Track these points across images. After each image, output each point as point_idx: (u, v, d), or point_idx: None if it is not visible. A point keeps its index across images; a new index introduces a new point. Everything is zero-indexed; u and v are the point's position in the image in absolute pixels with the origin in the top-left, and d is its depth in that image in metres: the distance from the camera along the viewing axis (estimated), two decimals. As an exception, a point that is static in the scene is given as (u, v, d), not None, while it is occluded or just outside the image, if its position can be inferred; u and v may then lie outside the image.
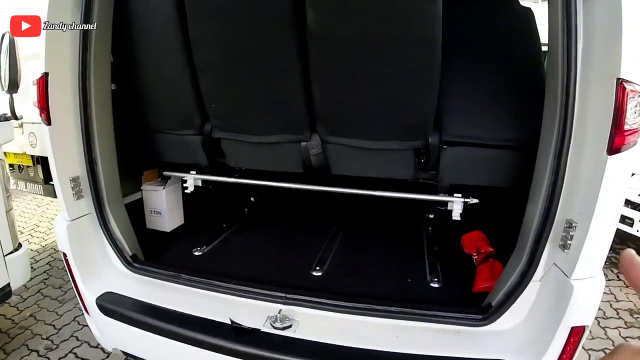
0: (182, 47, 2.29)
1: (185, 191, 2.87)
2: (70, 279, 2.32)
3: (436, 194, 2.48)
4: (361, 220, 3.30)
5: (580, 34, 1.55)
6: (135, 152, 2.84)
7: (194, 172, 2.83)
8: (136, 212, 2.84)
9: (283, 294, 2.04)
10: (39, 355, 3.19)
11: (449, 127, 2.25)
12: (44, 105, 2.07)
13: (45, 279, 4.35)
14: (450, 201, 2.44)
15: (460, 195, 2.41)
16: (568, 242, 1.65)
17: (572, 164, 1.62)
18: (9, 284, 2.97)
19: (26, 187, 4.60)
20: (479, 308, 1.95)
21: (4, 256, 2.93)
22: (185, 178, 2.83)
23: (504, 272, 1.97)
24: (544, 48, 1.98)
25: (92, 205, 2.30)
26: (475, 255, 2.65)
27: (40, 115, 2.10)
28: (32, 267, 4.44)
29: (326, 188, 2.67)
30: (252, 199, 3.48)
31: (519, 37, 2.36)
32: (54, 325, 3.56)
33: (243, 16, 2.06)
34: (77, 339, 3.35)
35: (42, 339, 3.38)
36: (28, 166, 4.51)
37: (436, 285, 2.37)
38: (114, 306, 2.16)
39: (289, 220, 3.32)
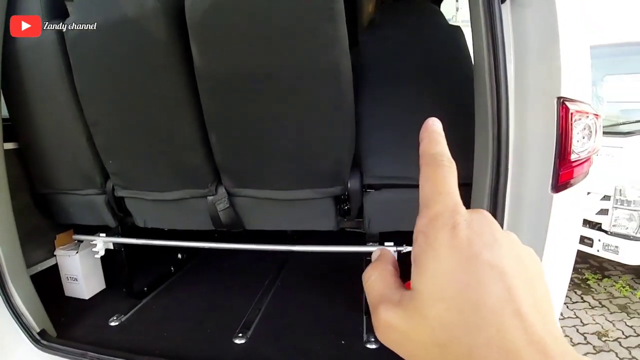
0: (73, 102, 2.03)
1: (96, 256, 2.55)
2: None
3: (364, 244, 2.16)
4: (292, 274, 2.98)
5: (511, 48, 1.28)
6: (45, 215, 2.55)
7: (104, 235, 2.52)
8: (52, 279, 2.55)
9: None
10: None
11: (371, 167, 1.94)
12: None
13: None
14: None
15: (392, 243, 2.10)
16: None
17: (512, 206, 1.35)
18: None
19: None
20: None
21: None
22: (93, 242, 2.50)
23: None
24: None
25: None
26: None
27: None
28: None
29: (243, 246, 2.40)
30: (179, 256, 3.15)
31: (448, 60, 2.10)
32: None
33: (127, 64, 1.81)
34: None
35: None
36: None
37: (373, 347, 2.07)
38: None
39: (217, 279, 2.99)
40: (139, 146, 2.04)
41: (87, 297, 2.63)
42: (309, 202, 1.99)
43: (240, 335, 2.18)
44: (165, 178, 2.10)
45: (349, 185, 1.92)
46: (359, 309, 2.38)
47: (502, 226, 1.24)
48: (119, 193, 2.24)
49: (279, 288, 2.74)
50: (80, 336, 2.22)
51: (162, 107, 1.87)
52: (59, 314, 2.33)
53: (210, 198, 2.06)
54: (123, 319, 2.39)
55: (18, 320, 2.03)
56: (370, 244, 2.12)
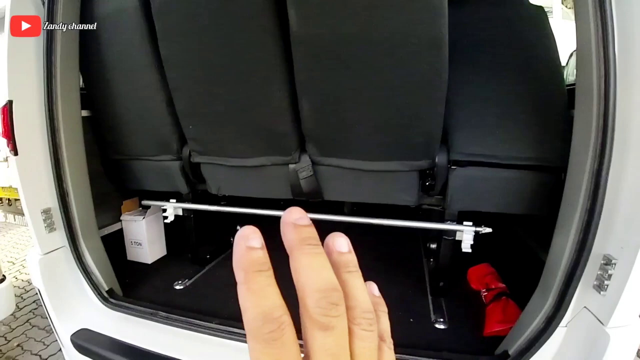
0: (154, 67, 2.01)
1: (165, 221, 2.54)
2: (47, 315, 2.06)
3: (442, 221, 2.06)
4: (356, 250, 2.95)
5: (615, 28, 1.20)
6: (113, 181, 2.55)
7: (174, 201, 2.50)
8: (116, 244, 2.56)
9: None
10: None
11: (457, 143, 1.88)
12: (9, 134, 1.84)
13: (34, 309, 3.99)
14: (459, 230, 2.02)
15: (470, 223, 2.00)
16: (605, 282, 1.28)
17: (613, 185, 1.25)
18: None
19: (15, 220, 4.31)
20: (494, 356, 1.61)
21: None
22: (164, 207, 2.50)
23: (524, 314, 1.62)
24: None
25: (66, 238, 2.01)
26: (484, 292, 2.25)
27: (7, 146, 1.86)
28: (22, 298, 4.26)
29: (315, 215, 2.30)
30: (238, 227, 3.13)
31: (534, 41, 2.01)
32: (40, 356, 3.23)
33: (217, 27, 1.74)
34: None
35: None
36: (16, 199, 4.26)
37: (441, 327, 2.00)
38: (89, 344, 1.90)
39: (278, 251, 2.96)
40: (222, 112, 1.99)
41: (149, 262, 2.64)
42: (394, 174, 1.94)
43: None
44: (248, 144, 2.06)
45: (436, 159, 1.86)
46: (422, 288, 2.34)
47: (601, 206, 1.23)
48: (196, 159, 2.22)
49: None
50: (146, 297, 2.20)
51: (253, 73, 1.82)
52: (123, 276, 2.32)
53: (292, 166, 2.02)
54: (188, 283, 2.38)
55: (88, 278, 2.04)
56: (449, 222, 2.03)
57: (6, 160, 4.05)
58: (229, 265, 2.58)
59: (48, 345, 3.37)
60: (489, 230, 1.96)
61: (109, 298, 2.06)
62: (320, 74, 1.71)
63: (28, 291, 4.41)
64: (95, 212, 2.18)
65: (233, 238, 2.92)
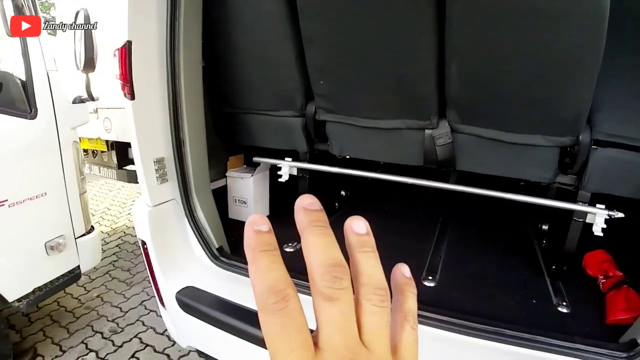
0: (286, 16, 1.86)
1: (280, 180, 2.38)
2: (148, 270, 1.96)
3: (572, 201, 1.88)
4: (466, 223, 2.74)
5: None
6: (223, 136, 2.41)
7: (290, 159, 2.35)
8: (218, 201, 2.39)
9: None
10: (103, 337, 2.87)
11: (601, 123, 1.70)
12: (126, 77, 1.71)
13: (114, 261, 4.04)
14: (591, 212, 1.84)
15: (603, 206, 1.82)
16: None
17: None
18: (78, 266, 2.68)
19: (100, 172, 4.36)
20: (622, 345, 1.47)
21: (76, 238, 2.63)
22: (280, 165, 2.34)
23: None
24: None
25: (178, 190, 1.92)
26: (602, 280, 2.04)
27: (123, 89, 1.74)
28: (102, 249, 4.23)
29: (436, 184, 2.16)
30: (342, 192, 2.96)
31: None
32: (120, 308, 3.23)
33: None
34: (143, 324, 3.00)
35: (108, 320, 3.07)
36: (102, 151, 4.23)
37: (564, 310, 1.81)
38: (196, 303, 1.77)
39: (385, 218, 2.78)
40: (359, 68, 1.84)
41: (253, 223, 2.49)
42: (535, 149, 1.77)
43: (430, 278, 2.00)
44: (383, 106, 1.90)
45: (580, 137, 1.68)
46: (537, 270, 2.17)
47: None
48: (322, 117, 2.07)
49: (453, 236, 2.52)
50: None
51: (399, 30, 1.66)
52: (227, 234, 2.19)
53: (429, 131, 1.87)
54: (298, 246, 2.23)
55: (199, 234, 1.94)
56: (581, 203, 1.85)
57: (95, 111, 3.97)
58: (336, 230, 2.41)
59: (129, 299, 3.37)
60: (621, 215, 1.80)
61: (219, 256, 1.96)
62: (476, 35, 1.56)
63: (108, 242, 4.47)
64: (204, 165, 2.08)
65: (338, 203, 2.83)
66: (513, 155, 1.83)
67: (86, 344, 2.79)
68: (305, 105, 2.11)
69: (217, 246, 1.99)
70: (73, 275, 2.64)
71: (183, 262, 1.95)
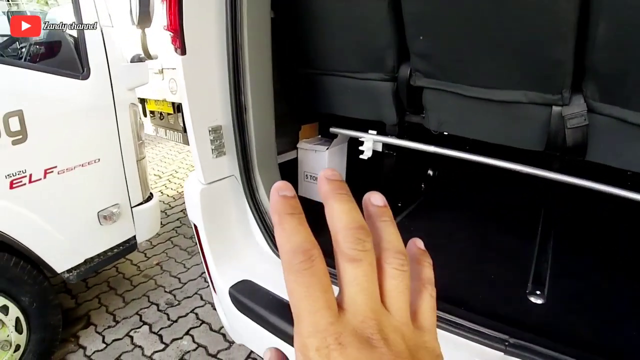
0: None
1: (360, 156, 1.97)
2: (201, 256, 1.66)
3: None
4: (575, 223, 2.20)
5: None
6: (294, 101, 2.03)
7: (374, 132, 1.93)
8: (287, 175, 2.06)
9: (505, 337, 1.18)
10: (158, 310, 2.67)
11: None
12: (176, 27, 1.37)
13: (178, 227, 3.84)
14: None
15: None
16: None
17: None
18: (134, 237, 2.48)
19: (166, 135, 4.22)
20: None
21: (132, 207, 2.42)
22: (362, 139, 1.92)
23: None
24: None
25: (237, 165, 1.57)
26: None
27: (172, 43, 1.41)
28: (165, 214, 4.08)
29: (543, 172, 1.68)
30: (430, 172, 2.49)
31: None
32: (179, 279, 3.01)
33: None
34: (201, 298, 2.77)
35: (165, 292, 2.86)
36: (168, 113, 4.00)
37: None
38: (251, 302, 1.43)
39: (478, 208, 2.31)
40: (472, 21, 1.39)
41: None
42: None
43: (538, 292, 1.56)
44: (501, 71, 1.45)
45: None
46: None
47: None
48: (419, 82, 1.63)
49: (562, 237, 2.01)
50: (323, 249, 1.69)
51: None
52: None
53: (558, 108, 1.40)
54: None
55: (260, 218, 1.59)
56: None
57: (161, 72, 3.75)
58: (423, 217, 2.11)
59: (188, 269, 3.15)
60: None
61: None
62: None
63: (172, 207, 4.31)
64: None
65: (424, 184, 2.38)
66: None
67: (140, 316, 2.62)
68: (398, 67, 1.68)
69: None
70: (128, 246, 2.46)
71: (241, 250, 1.62)
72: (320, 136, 2.24)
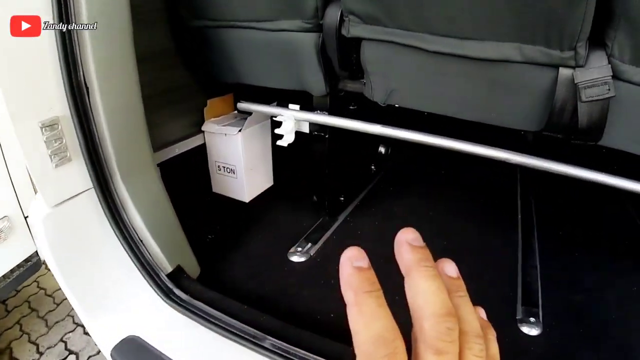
0: None
1: (279, 143, 1.36)
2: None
3: None
4: (561, 210, 1.71)
5: None
6: (187, 67, 1.41)
7: (297, 107, 1.32)
8: (195, 167, 1.50)
9: None
10: (85, 333, 2.12)
11: None
12: None
13: None
14: None
15: None
16: None
17: None
18: (36, 253, 1.88)
19: None
20: None
21: (26, 218, 1.84)
22: (279, 118, 1.33)
23: None
24: None
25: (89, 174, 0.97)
26: None
27: None
28: None
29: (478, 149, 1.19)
30: (381, 149, 1.94)
31: None
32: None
33: None
34: None
35: None
36: None
37: None
38: None
39: (447, 191, 1.75)
40: None
41: (247, 200, 1.54)
42: None
43: (532, 320, 1.10)
44: (483, 12, 0.89)
45: None
46: None
47: None
48: (354, 31, 1.04)
49: (547, 235, 1.51)
50: (240, 277, 1.19)
51: None
52: (204, 224, 1.34)
53: (568, 72, 0.88)
54: (312, 252, 1.30)
55: (131, 250, 1.03)
56: None
57: None
58: (376, 210, 1.56)
59: None
60: None
61: (172, 289, 1.02)
62: None
63: None
64: (157, 117, 1.18)
65: (375, 165, 1.87)
66: None
67: (65, 343, 2.08)
68: (324, 10, 1.08)
69: (169, 269, 1.07)
70: (31, 265, 1.87)
71: (121, 294, 1.03)
72: (236, 112, 1.59)
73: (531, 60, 0.89)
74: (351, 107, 1.74)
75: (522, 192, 1.76)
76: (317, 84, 1.20)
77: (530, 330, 1.09)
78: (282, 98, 1.41)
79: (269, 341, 0.88)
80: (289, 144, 1.34)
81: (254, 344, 0.88)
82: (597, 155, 1.19)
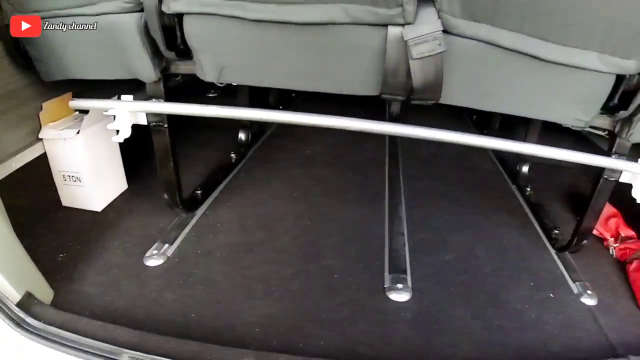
0: None
1: (114, 139, 1.16)
2: None
3: (606, 154, 1.11)
4: (423, 168, 1.76)
5: None
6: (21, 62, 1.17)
7: (130, 98, 1.13)
8: (39, 180, 1.27)
9: None
10: None
11: None
12: None
13: None
14: (632, 172, 1.09)
15: None
16: None
17: None
18: None
19: None
20: None
21: None
22: (110, 112, 1.13)
23: None
24: None
25: None
26: (614, 244, 1.39)
27: None
28: None
29: (334, 121, 1.07)
30: (242, 136, 1.80)
31: None
32: None
33: None
34: None
35: None
36: None
37: (590, 302, 1.13)
38: None
39: (308, 168, 1.68)
40: None
41: (98, 209, 1.33)
42: (579, 74, 0.92)
43: (400, 287, 1.07)
44: None
45: None
46: (538, 239, 1.39)
47: None
48: (175, 5, 0.91)
49: (410, 196, 1.54)
50: (95, 293, 1.02)
51: None
52: (56, 247, 1.15)
53: (396, 29, 0.83)
54: (169, 253, 1.15)
55: None
56: (616, 156, 1.09)
57: None
58: (236, 204, 1.42)
59: None
60: None
61: (23, 318, 0.86)
62: None
63: None
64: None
65: (234, 153, 1.73)
66: (546, 84, 0.96)
67: None
68: None
69: (18, 297, 0.88)
70: None
71: None
72: (77, 113, 1.34)
73: (358, 20, 0.82)
74: (211, 95, 1.62)
75: (391, 164, 1.76)
76: (145, 69, 1.04)
77: (399, 297, 1.06)
78: (129, 89, 1.19)
79: (127, 354, 0.80)
80: (126, 139, 1.14)
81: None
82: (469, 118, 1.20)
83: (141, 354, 0.80)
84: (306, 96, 1.39)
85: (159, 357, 0.79)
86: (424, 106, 1.04)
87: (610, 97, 0.98)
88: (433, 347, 0.93)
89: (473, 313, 1.04)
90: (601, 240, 1.42)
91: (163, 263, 1.11)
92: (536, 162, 1.73)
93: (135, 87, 1.14)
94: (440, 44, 0.81)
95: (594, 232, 1.45)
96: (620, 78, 0.95)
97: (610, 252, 1.37)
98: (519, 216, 1.51)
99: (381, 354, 0.88)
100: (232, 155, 1.69)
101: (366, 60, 0.88)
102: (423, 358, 0.87)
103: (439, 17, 0.81)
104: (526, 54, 0.87)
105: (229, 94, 1.36)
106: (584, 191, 1.44)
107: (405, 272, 1.13)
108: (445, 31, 0.83)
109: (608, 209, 1.48)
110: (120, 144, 1.29)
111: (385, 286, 1.08)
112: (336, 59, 0.91)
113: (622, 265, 1.30)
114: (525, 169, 1.72)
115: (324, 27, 0.85)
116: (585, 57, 0.88)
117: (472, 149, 1.87)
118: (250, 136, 1.81)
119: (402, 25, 0.81)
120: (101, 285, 1.04)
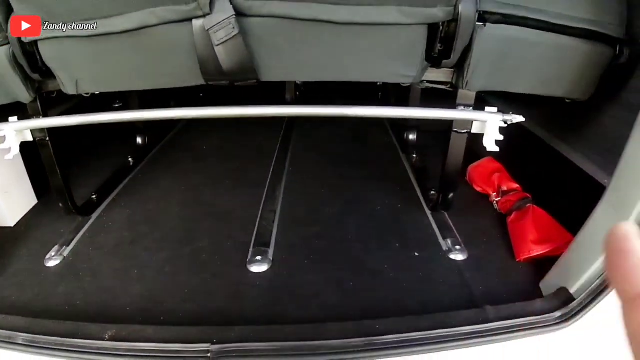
0: None
1: (6, 157, 1.19)
2: None
3: (452, 107, 1.12)
4: (305, 155, 1.81)
5: None
6: None
7: (15, 119, 1.18)
8: None
9: (206, 346, 0.82)
10: None
11: None
12: None
13: None
14: (479, 120, 1.10)
15: (495, 109, 1.09)
16: None
17: None
18: None
19: None
20: (549, 301, 0.93)
21: None
22: (0, 133, 1.19)
23: (584, 236, 0.94)
24: None
25: None
26: (496, 197, 1.42)
27: None
28: None
29: (237, 110, 1.15)
30: (139, 140, 1.86)
31: None
32: None
33: None
34: None
35: None
36: None
37: (459, 257, 1.16)
38: None
39: (200, 168, 1.71)
40: None
41: (12, 224, 1.38)
42: (387, 32, 0.96)
43: (259, 258, 1.14)
44: None
45: (459, 8, 0.91)
46: (411, 198, 1.46)
47: None
48: (30, 36, 1.00)
49: (292, 176, 1.61)
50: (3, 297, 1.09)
51: None
52: None
53: (199, 22, 0.90)
54: (66, 253, 1.22)
55: None
56: (462, 108, 1.10)
57: None
58: (130, 206, 1.48)
59: None
60: (520, 119, 1.09)
61: None
62: None
63: None
64: None
65: (132, 157, 1.77)
66: (353, 47, 0.99)
67: None
68: (7, 22, 0.99)
69: None
70: None
71: None
72: None
73: (166, 20, 0.90)
74: (116, 105, 1.69)
75: (282, 147, 1.83)
76: (22, 92, 1.12)
77: (259, 268, 1.11)
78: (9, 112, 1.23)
79: (20, 337, 0.86)
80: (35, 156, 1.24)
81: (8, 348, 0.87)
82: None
83: (31, 335, 0.86)
84: (217, 93, 1.47)
85: (43, 336, 0.86)
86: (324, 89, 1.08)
87: (430, 48, 1.01)
88: (285, 312, 0.98)
89: (326, 277, 1.08)
90: (487, 197, 1.45)
91: (60, 262, 1.18)
92: (423, 130, 1.78)
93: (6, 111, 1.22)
94: (234, 28, 0.88)
95: (477, 188, 1.51)
96: (434, 27, 0.98)
97: (495, 207, 1.39)
98: (402, 182, 1.57)
99: (233, 320, 0.93)
100: (130, 159, 1.74)
101: (183, 54, 0.95)
102: (273, 323, 0.91)
103: (231, 3, 0.88)
104: (324, 21, 0.91)
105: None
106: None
107: (268, 245, 1.19)
108: (243, 14, 0.90)
109: (492, 164, 1.54)
110: (26, 161, 1.36)
111: (247, 260, 1.14)
112: (160, 57, 0.99)
113: (504, 218, 1.32)
114: (412, 136, 1.77)
115: (142, 32, 0.93)
116: (384, 12, 0.91)
117: (373, 125, 1.98)
118: (147, 139, 1.86)
119: (202, 16, 0.89)
120: (9, 288, 1.10)
